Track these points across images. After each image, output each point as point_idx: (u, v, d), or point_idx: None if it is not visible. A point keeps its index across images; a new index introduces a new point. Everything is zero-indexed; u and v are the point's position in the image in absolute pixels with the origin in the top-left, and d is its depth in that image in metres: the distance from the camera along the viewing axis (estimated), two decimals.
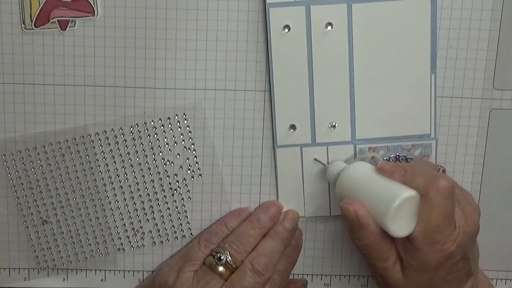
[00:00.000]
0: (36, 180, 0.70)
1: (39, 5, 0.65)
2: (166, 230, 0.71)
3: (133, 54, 0.67)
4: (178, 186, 0.70)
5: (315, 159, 0.69)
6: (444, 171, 0.70)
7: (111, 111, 0.68)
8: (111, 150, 0.69)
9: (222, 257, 0.65)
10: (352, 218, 0.62)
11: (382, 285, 0.66)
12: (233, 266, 0.65)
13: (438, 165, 0.70)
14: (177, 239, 0.71)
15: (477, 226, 0.64)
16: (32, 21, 0.66)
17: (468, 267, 0.64)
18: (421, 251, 0.61)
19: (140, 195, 0.70)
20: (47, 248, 0.71)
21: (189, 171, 0.70)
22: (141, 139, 0.69)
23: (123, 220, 0.71)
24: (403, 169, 0.62)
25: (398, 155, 0.69)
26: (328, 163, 0.69)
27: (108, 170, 0.70)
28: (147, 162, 0.69)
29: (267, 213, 0.68)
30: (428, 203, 0.60)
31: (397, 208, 0.59)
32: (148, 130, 0.69)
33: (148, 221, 0.71)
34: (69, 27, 0.66)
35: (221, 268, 0.65)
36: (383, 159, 0.69)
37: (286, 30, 0.66)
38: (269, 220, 0.68)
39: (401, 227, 0.61)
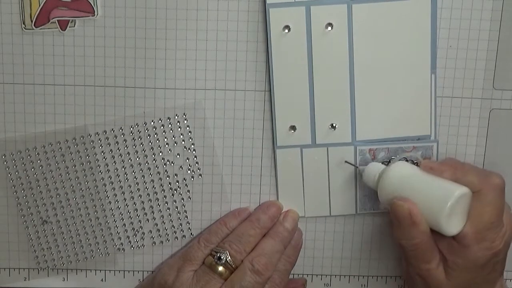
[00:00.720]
0: (36, 180, 0.70)
1: (39, 5, 0.65)
2: (166, 230, 0.71)
3: (133, 54, 0.67)
4: (178, 186, 0.70)
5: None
6: None
7: (111, 111, 0.68)
8: (111, 150, 0.69)
9: (222, 257, 0.65)
10: (405, 216, 0.61)
11: (421, 287, 0.65)
12: (233, 266, 0.65)
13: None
14: (177, 239, 0.71)
15: None
16: (32, 21, 0.66)
17: (503, 266, 0.65)
18: (471, 248, 0.61)
19: (140, 195, 0.70)
20: (47, 248, 0.71)
21: (189, 171, 0.70)
22: (141, 139, 0.69)
23: (123, 220, 0.71)
24: (453, 166, 0.62)
25: (399, 157, 0.69)
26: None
27: (108, 170, 0.70)
28: (147, 162, 0.69)
29: (267, 213, 0.68)
30: (482, 200, 0.60)
31: (452, 206, 0.59)
32: (148, 130, 0.69)
33: (148, 221, 0.71)
34: (69, 27, 0.66)
35: (220, 268, 0.65)
36: (422, 159, 0.68)
37: (286, 30, 0.66)
38: (269, 220, 0.68)
39: (453, 226, 0.60)
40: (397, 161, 0.66)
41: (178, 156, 0.69)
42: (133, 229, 0.71)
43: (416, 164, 0.66)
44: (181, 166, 0.70)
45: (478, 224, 0.60)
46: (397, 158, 0.68)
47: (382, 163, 0.68)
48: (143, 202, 0.70)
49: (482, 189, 0.60)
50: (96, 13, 0.66)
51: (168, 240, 0.72)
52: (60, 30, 0.66)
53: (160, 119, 0.69)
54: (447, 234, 0.61)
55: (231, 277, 0.65)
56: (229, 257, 0.65)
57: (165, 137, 0.69)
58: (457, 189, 0.60)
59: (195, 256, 0.66)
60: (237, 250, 0.66)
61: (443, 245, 0.63)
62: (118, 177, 0.70)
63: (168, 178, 0.70)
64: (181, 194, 0.70)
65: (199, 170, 0.70)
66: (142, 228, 0.71)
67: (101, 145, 0.69)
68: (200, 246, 0.67)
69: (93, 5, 0.66)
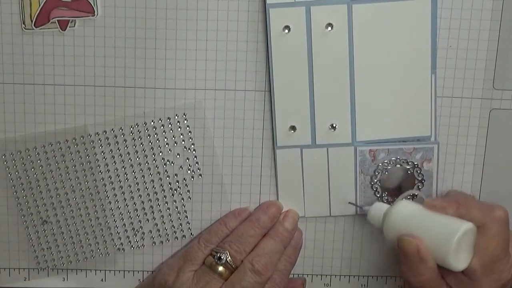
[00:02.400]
0: (36, 180, 0.70)
1: (39, 5, 0.65)
2: (166, 230, 0.71)
3: (133, 54, 0.67)
4: (178, 186, 0.70)
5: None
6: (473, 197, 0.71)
7: (111, 111, 0.68)
8: (111, 150, 0.69)
9: (222, 257, 0.65)
10: (413, 252, 0.61)
11: None
12: (233, 266, 0.65)
13: (470, 194, 0.70)
14: (177, 239, 0.71)
15: None
16: (32, 21, 0.66)
17: None
18: (479, 282, 0.62)
19: (140, 195, 0.70)
20: (47, 248, 0.71)
21: (189, 171, 0.70)
22: (141, 139, 0.69)
23: (123, 220, 0.71)
24: (456, 202, 0.63)
25: (399, 158, 0.69)
26: (357, 203, 0.70)
27: (108, 170, 0.70)
28: (147, 162, 0.69)
29: (267, 213, 0.69)
30: (486, 234, 0.61)
31: (458, 242, 0.60)
32: (148, 130, 0.69)
33: (148, 221, 0.71)
34: (69, 27, 0.66)
35: (221, 268, 0.65)
36: (424, 197, 0.68)
37: (286, 30, 0.66)
38: (269, 220, 0.68)
39: (460, 261, 0.61)
40: (400, 200, 0.66)
41: (178, 156, 0.69)
42: (133, 229, 0.71)
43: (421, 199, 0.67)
44: (181, 166, 0.70)
45: (485, 257, 0.61)
46: (400, 196, 0.68)
47: (387, 202, 0.69)
48: (143, 202, 0.70)
49: (486, 223, 0.61)
50: (96, 13, 0.66)
51: (168, 240, 0.72)
52: (60, 30, 0.66)
53: (160, 119, 0.69)
54: (455, 270, 0.61)
55: (231, 277, 0.65)
56: (229, 257, 0.65)
57: (165, 137, 0.69)
58: (462, 225, 0.60)
59: (195, 256, 0.67)
60: (237, 250, 0.66)
61: (451, 279, 0.63)
62: (118, 177, 0.70)
63: (168, 178, 0.70)
64: (181, 194, 0.70)
65: (199, 170, 0.70)
66: (142, 228, 0.71)
67: (101, 145, 0.69)
68: (200, 246, 0.67)
69: (93, 5, 0.66)
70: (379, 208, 0.67)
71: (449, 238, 0.60)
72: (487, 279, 0.61)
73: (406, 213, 0.64)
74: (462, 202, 0.63)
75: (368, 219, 0.68)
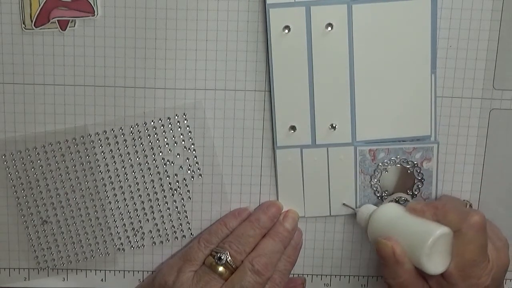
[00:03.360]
0: (36, 180, 0.70)
1: (39, 5, 0.65)
2: (166, 230, 0.71)
3: (133, 54, 0.67)
4: (178, 186, 0.70)
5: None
6: (471, 205, 0.71)
7: (111, 111, 0.68)
8: (111, 150, 0.69)
9: (222, 257, 0.65)
10: (389, 255, 0.62)
11: None
12: (233, 266, 0.65)
13: (464, 200, 0.70)
14: (177, 239, 0.71)
15: (508, 259, 0.65)
16: (32, 21, 0.66)
17: None
18: (457, 286, 0.62)
19: (140, 195, 0.70)
20: (47, 248, 0.71)
21: (189, 171, 0.70)
22: (141, 139, 0.69)
23: (123, 220, 0.71)
24: (434, 207, 0.63)
25: (399, 158, 0.69)
26: (356, 207, 0.70)
27: (108, 170, 0.70)
28: (147, 162, 0.69)
29: (267, 213, 0.69)
30: (462, 239, 0.61)
31: (431, 245, 0.60)
32: (148, 130, 0.69)
33: (148, 221, 0.71)
34: (69, 27, 0.66)
35: (221, 268, 0.65)
36: (410, 199, 0.70)
37: (286, 30, 0.66)
38: (269, 220, 0.68)
39: (436, 264, 0.62)
40: (388, 202, 0.68)
41: (178, 156, 0.69)
42: (133, 229, 0.71)
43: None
44: (181, 166, 0.70)
45: (461, 262, 0.62)
46: (388, 198, 0.69)
47: (380, 200, 0.70)
48: (143, 202, 0.70)
49: (462, 228, 0.61)
50: (96, 13, 0.66)
51: (168, 240, 0.72)
52: (60, 30, 0.66)
53: (160, 119, 0.69)
54: (430, 273, 0.62)
55: (231, 277, 0.65)
56: (229, 257, 0.65)
57: (165, 137, 0.69)
58: (437, 229, 0.61)
59: (195, 257, 0.67)
60: (237, 250, 0.66)
61: (433, 283, 0.64)
62: (118, 177, 0.70)
63: (168, 178, 0.70)
64: (181, 194, 0.70)
65: (199, 170, 0.70)
66: (142, 228, 0.71)
67: (101, 145, 0.69)
68: (200, 247, 0.67)
69: (93, 5, 0.66)
70: (366, 210, 0.68)
71: (423, 241, 0.61)
72: (465, 284, 0.62)
73: (388, 216, 0.65)
74: (440, 207, 0.63)
75: (357, 220, 0.69)
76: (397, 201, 0.70)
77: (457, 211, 0.62)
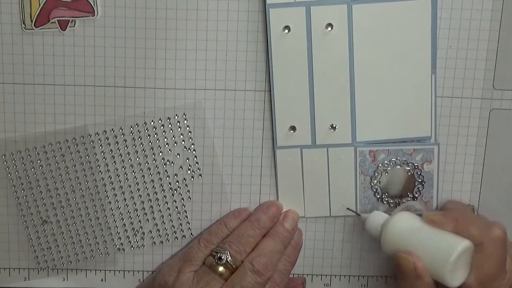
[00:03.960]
0: (36, 180, 0.70)
1: (39, 5, 0.65)
2: (166, 230, 0.71)
3: (133, 54, 0.67)
4: (178, 186, 0.70)
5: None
6: (473, 209, 0.71)
7: (111, 111, 0.68)
8: (111, 150, 0.69)
9: (222, 257, 0.65)
10: (410, 269, 0.62)
11: None
12: (233, 266, 0.65)
13: (470, 205, 0.70)
14: (177, 239, 0.71)
15: None
16: (32, 21, 0.66)
17: None
18: None
19: (140, 195, 0.70)
20: (47, 248, 0.71)
21: (189, 171, 0.70)
22: (141, 139, 0.69)
23: (123, 220, 0.71)
24: (454, 219, 0.62)
25: (399, 159, 0.69)
26: (357, 209, 0.70)
27: (108, 170, 0.70)
28: (147, 162, 0.69)
29: (267, 213, 0.69)
30: (483, 253, 0.61)
31: (455, 260, 0.60)
32: (148, 130, 0.69)
33: (148, 221, 0.71)
34: (69, 27, 0.66)
35: (221, 268, 0.65)
36: (424, 209, 0.69)
37: (286, 31, 0.66)
38: (269, 220, 0.68)
39: (457, 278, 0.61)
40: (399, 211, 0.66)
41: (178, 156, 0.69)
42: (133, 229, 0.71)
43: (420, 213, 0.67)
44: (181, 166, 0.70)
45: (481, 275, 0.61)
46: (399, 207, 0.68)
47: (387, 203, 0.70)
48: (143, 202, 0.70)
49: (484, 242, 0.61)
50: (96, 13, 0.66)
51: (168, 240, 0.72)
52: (60, 30, 0.66)
53: (160, 119, 0.69)
54: (451, 286, 0.61)
55: (231, 278, 0.65)
56: (230, 257, 0.65)
57: (165, 137, 0.69)
58: (460, 244, 0.60)
59: (195, 257, 0.67)
60: (237, 250, 0.66)
61: None
62: (118, 177, 0.70)
63: (168, 178, 0.70)
64: (181, 194, 0.70)
65: (199, 170, 0.70)
66: (142, 228, 0.71)
67: (101, 145, 0.69)
68: (200, 247, 0.67)
69: (93, 5, 0.66)
70: (377, 218, 0.67)
71: (447, 256, 0.60)
72: None
73: (404, 227, 0.64)
74: (460, 219, 0.63)
75: (366, 228, 0.68)
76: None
77: (479, 223, 0.62)
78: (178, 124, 0.69)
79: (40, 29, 0.66)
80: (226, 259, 0.65)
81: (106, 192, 0.70)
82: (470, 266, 0.62)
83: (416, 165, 0.69)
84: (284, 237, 0.68)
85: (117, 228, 0.71)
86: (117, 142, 0.69)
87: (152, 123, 0.69)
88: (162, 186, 0.70)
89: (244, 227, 0.68)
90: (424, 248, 0.62)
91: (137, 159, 0.69)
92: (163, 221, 0.71)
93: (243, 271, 0.65)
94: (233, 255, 0.65)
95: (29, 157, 0.69)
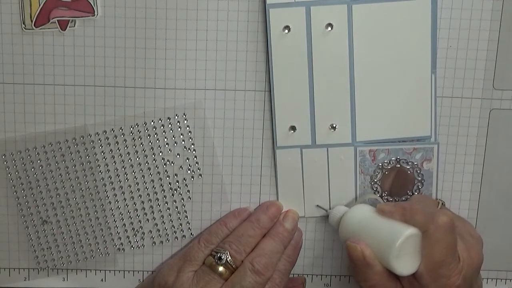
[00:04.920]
0: (36, 180, 0.70)
1: (39, 5, 0.65)
2: (166, 230, 0.71)
3: (133, 54, 0.67)
4: (178, 186, 0.70)
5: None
6: (443, 204, 0.70)
7: (111, 111, 0.68)
8: (111, 150, 0.69)
9: (222, 257, 0.65)
10: (359, 257, 0.63)
11: None
12: (233, 266, 0.65)
13: (437, 199, 0.70)
14: (177, 239, 0.71)
15: (481, 257, 0.65)
16: (32, 21, 0.66)
17: None
18: (429, 287, 0.62)
19: (140, 195, 0.70)
20: (47, 248, 0.71)
21: (189, 171, 0.70)
22: (141, 139, 0.69)
23: (123, 220, 0.71)
24: (402, 208, 0.63)
25: (399, 158, 0.69)
26: (330, 208, 0.70)
27: (108, 170, 0.70)
28: (147, 162, 0.69)
29: (267, 213, 0.69)
30: (430, 240, 0.61)
31: (400, 247, 0.61)
32: (148, 130, 0.69)
33: (148, 221, 0.71)
34: (69, 27, 0.66)
35: (221, 268, 0.65)
36: (383, 198, 0.70)
37: (286, 31, 0.66)
38: (269, 220, 0.68)
39: (405, 266, 0.62)
40: (358, 204, 0.68)
41: (178, 156, 0.69)
42: (133, 229, 0.71)
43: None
44: (181, 166, 0.70)
45: (430, 263, 0.61)
46: (359, 199, 0.69)
47: (387, 202, 0.70)
48: (143, 202, 0.70)
49: (429, 229, 0.61)
50: (96, 13, 0.66)
51: (168, 240, 0.72)
52: (60, 30, 0.66)
53: (160, 119, 0.69)
54: (400, 274, 0.62)
55: (231, 278, 0.65)
56: (230, 257, 0.65)
57: (165, 137, 0.69)
58: (404, 230, 0.61)
59: (195, 257, 0.67)
60: (237, 250, 0.66)
61: (405, 284, 0.64)
62: (118, 177, 0.70)
63: (168, 178, 0.70)
64: (181, 194, 0.70)
65: (199, 170, 0.70)
66: (142, 228, 0.71)
67: (101, 145, 0.69)
68: (200, 247, 0.67)
69: (93, 5, 0.66)
70: (338, 212, 0.68)
71: (391, 243, 0.61)
72: (436, 284, 0.61)
73: (358, 218, 0.66)
74: (407, 208, 0.63)
75: (329, 222, 0.69)
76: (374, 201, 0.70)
77: (424, 211, 0.62)
78: (178, 124, 0.69)
79: (40, 29, 0.66)
80: (226, 259, 0.65)
81: (106, 192, 0.70)
82: (420, 255, 0.62)
83: (415, 164, 0.69)
84: (284, 237, 0.68)
85: (117, 228, 0.71)
86: (117, 142, 0.69)
87: (152, 123, 0.69)
88: (162, 186, 0.70)
89: (244, 227, 0.68)
90: (373, 237, 0.63)
91: (137, 159, 0.69)
92: (163, 221, 0.71)
93: (243, 271, 0.65)
94: (233, 255, 0.65)
95: (29, 157, 0.69)
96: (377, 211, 0.65)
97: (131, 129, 0.69)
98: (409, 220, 0.62)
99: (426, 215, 0.62)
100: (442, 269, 0.61)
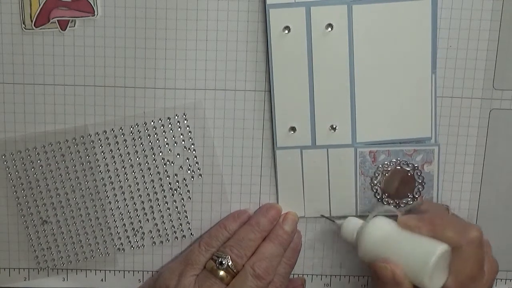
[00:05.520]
0: (36, 180, 0.70)
1: (39, 5, 0.65)
2: (166, 230, 0.71)
3: (133, 54, 0.67)
4: (178, 186, 0.70)
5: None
6: (447, 208, 0.70)
7: (111, 111, 0.68)
8: (111, 150, 0.69)
9: (223, 262, 0.65)
10: (389, 278, 0.62)
11: None
12: (234, 270, 0.65)
13: (444, 205, 0.70)
14: (177, 239, 0.71)
15: (497, 265, 0.65)
16: (32, 21, 0.66)
17: None
18: None
19: (140, 195, 0.70)
20: (47, 248, 0.71)
21: (189, 171, 0.70)
22: (141, 139, 0.69)
23: (123, 220, 0.71)
24: (430, 222, 0.62)
25: (399, 160, 0.69)
26: (330, 215, 0.70)
27: (108, 170, 0.70)
28: (147, 162, 0.69)
29: (266, 216, 0.68)
30: (461, 255, 0.61)
31: (434, 265, 0.60)
32: (148, 130, 0.69)
33: (148, 221, 0.71)
34: (69, 27, 0.66)
35: (222, 273, 0.65)
36: (398, 211, 0.68)
37: (286, 31, 0.66)
38: (269, 223, 0.68)
39: (435, 281, 0.61)
40: (374, 216, 0.66)
41: (178, 156, 0.69)
42: (133, 229, 0.71)
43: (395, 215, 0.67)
44: (181, 166, 0.70)
45: (460, 278, 0.61)
46: (373, 212, 0.67)
47: (388, 204, 0.70)
48: (143, 202, 0.70)
49: (461, 245, 0.61)
50: (96, 13, 0.66)
51: (168, 240, 0.72)
52: (60, 30, 0.66)
53: (160, 119, 0.69)
54: None
55: (232, 282, 0.65)
56: (231, 262, 0.65)
57: (165, 137, 0.69)
58: (437, 248, 0.60)
59: (196, 261, 0.66)
60: (238, 254, 0.66)
61: None
62: (118, 177, 0.70)
63: (168, 178, 0.70)
64: (181, 194, 0.70)
65: (199, 170, 0.70)
66: (142, 228, 0.71)
67: (101, 145, 0.69)
68: (201, 250, 0.67)
69: (93, 5, 0.66)
70: (352, 224, 0.67)
71: (425, 261, 0.60)
72: None
73: (380, 233, 0.64)
74: (437, 222, 0.62)
75: (341, 235, 0.68)
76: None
77: (455, 226, 0.62)
78: (178, 124, 0.69)
79: (40, 29, 0.66)
80: (227, 264, 0.65)
81: (106, 192, 0.70)
82: (448, 269, 0.61)
83: (416, 166, 0.69)
84: (284, 240, 0.68)
85: (117, 228, 0.71)
86: (117, 142, 0.69)
87: (152, 123, 0.69)
88: (162, 186, 0.70)
89: (244, 230, 0.68)
90: (402, 254, 0.62)
91: (137, 159, 0.69)
92: (163, 221, 0.71)
93: (244, 276, 0.65)
94: (234, 259, 0.65)
95: (29, 157, 0.69)
96: (401, 225, 0.64)
97: (131, 129, 0.69)
98: (438, 235, 0.61)
99: (457, 230, 0.61)
100: (470, 284, 0.61)
